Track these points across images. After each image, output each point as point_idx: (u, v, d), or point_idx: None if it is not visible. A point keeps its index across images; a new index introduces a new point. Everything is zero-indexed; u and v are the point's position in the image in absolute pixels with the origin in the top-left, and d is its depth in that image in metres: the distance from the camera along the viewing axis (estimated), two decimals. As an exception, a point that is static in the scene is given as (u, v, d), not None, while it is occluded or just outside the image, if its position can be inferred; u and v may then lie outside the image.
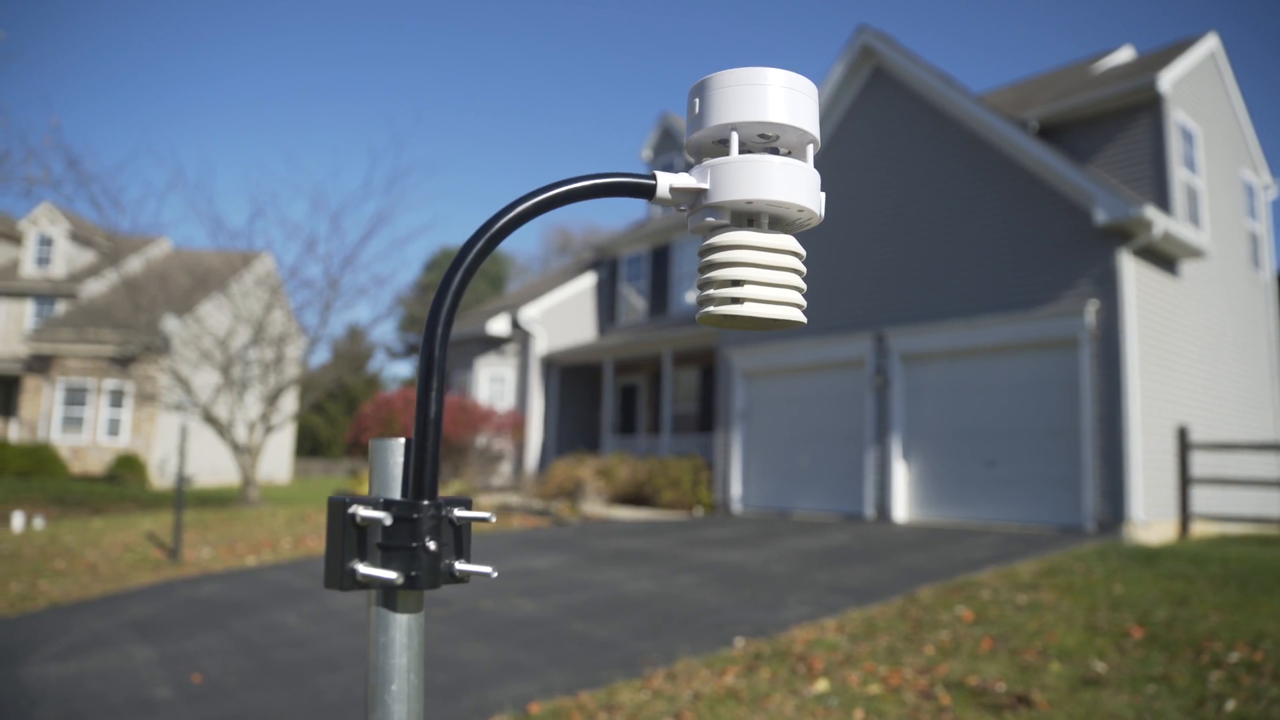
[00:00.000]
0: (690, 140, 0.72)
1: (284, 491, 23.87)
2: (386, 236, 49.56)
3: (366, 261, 28.02)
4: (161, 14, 61.85)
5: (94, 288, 25.66)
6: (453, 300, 0.65)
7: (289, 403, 24.15)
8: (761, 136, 0.70)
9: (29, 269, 26.31)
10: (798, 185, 0.69)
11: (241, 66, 74.35)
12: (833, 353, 12.52)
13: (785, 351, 13.12)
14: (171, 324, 14.71)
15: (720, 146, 0.71)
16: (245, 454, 15.63)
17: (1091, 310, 9.78)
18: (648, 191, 0.70)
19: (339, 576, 0.62)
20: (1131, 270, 9.78)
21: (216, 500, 17.10)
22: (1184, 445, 10.04)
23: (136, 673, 5.18)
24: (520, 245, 71.51)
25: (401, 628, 0.63)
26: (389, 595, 0.63)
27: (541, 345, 19.12)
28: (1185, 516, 9.97)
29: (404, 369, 55.36)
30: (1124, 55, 14.59)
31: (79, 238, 26.81)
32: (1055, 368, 10.24)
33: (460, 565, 0.66)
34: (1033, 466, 10.28)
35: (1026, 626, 5.34)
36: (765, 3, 77.74)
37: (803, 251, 0.71)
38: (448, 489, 17.11)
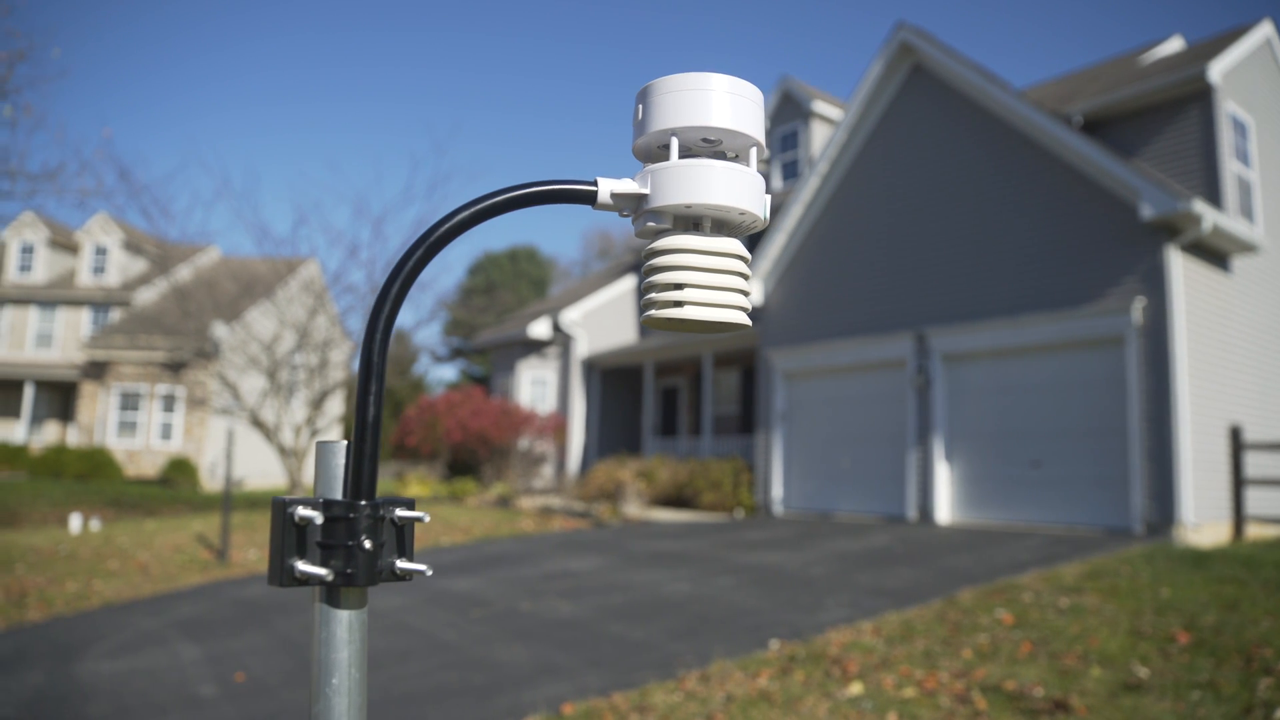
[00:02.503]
0: (635, 145, 0.73)
1: (331, 494, 24.26)
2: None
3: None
4: (199, 3, 63.11)
5: (146, 295, 26.37)
6: (391, 308, 0.66)
7: (335, 406, 24.57)
8: (705, 141, 0.71)
9: (85, 278, 27.11)
10: (739, 189, 0.69)
11: (279, 61, 75.74)
12: (873, 353, 12.40)
13: (826, 352, 13.03)
14: (220, 330, 15.05)
15: (664, 151, 0.72)
16: (291, 457, 15.94)
17: (1138, 308, 9.56)
18: (589, 198, 0.71)
19: (279, 573, 0.64)
20: (1179, 266, 9.54)
21: (265, 502, 17.46)
22: (1237, 445, 9.77)
23: (183, 670, 5.31)
24: (562, 249, 71.90)
25: (343, 623, 0.65)
26: (331, 592, 0.66)
27: (582, 348, 19.20)
28: (1239, 518, 9.69)
29: (449, 372, 55.90)
30: (1173, 46, 14.24)
31: (132, 247, 27.57)
32: (1101, 366, 10.03)
33: (401, 563, 0.68)
34: (1079, 467, 10.07)
35: (1068, 630, 5.24)
36: (804, 3, 77.22)
37: (747, 255, 0.72)
38: (490, 491, 17.28)
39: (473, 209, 0.68)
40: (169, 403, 24.49)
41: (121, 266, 27.28)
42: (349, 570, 0.65)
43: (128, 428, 24.68)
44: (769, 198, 0.73)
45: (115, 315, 26.40)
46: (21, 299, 26.72)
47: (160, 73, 63.76)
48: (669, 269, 0.69)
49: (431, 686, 4.77)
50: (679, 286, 0.69)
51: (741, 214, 0.70)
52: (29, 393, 25.74)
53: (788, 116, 17.63)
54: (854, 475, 12.58)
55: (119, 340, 24.39)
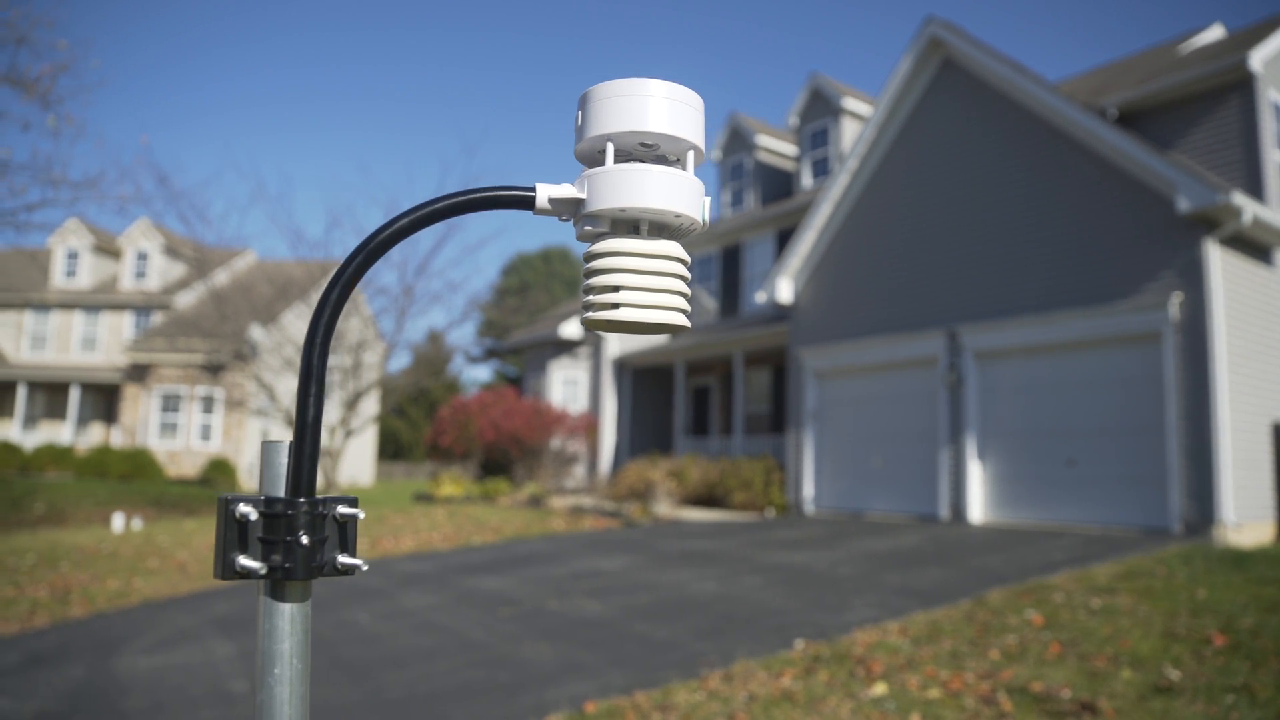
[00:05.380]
0: (576, 150, 0.75)
1: (366, 494, 24.58)
2: (458, 243, 50.54)
3: (439, 268, 28.82)
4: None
5: (185, 299, 26.89)
6: (332, 313, 0.69)
7: (369, 407, 24.84)
8: (643, 146, 0.72)
9: (127, 282, 27.71)
10: (675, 192, 0.70)
11: (308, 58, 76.80)
12: (904, 351, 12.29)
13: (857, 351, 12.94)
14: (256, 332, 15.32)
15: (604, 156, 0.74)
16: (326, 457, 16.16)
17: (1175, 303, 9.38)
18: (527, 203, 0.72)
19: (222, 567, 0.67)
20: (1218, 260, 9.35)
21: (302, 502, 17.67)
22: (1280, 443, 9.55)
23: (216, 666, 5.42)
24: (594, 249, 72.21)
25: (285, 615, 0.67)
26: (275, 585, 0.68)
27: (614, 347, 19.25)
28: (1282, 518, 9.47)
29: (482, 373, 56.30)
30: (1213, 34, 13.94)
31: (171, 251, 28.13)
32: (1138, 363, 9.85)
33: (342, 559, 0.70)
34: (1114, 466, 9.91)
35: (1099, 632, 5.16)
36: (832, 3, 76.72)
37: (685, 257, 0.73)
38: (522, 491, 17.39)
39: (412, 216, 0.70)
40: (208, 404, 24.95)
41: (162, 271, 27.83)
42: (287, 564, 0.67)
43: (168, 429, 25.20)
44: (708, 200, 0.74)
45: (156, 319, 26.96)
46: (67, 304, 27.37)
47: (191, 61, 64.88)
48: (605, 271, 0.71)
49: (458, 684, 4.82)
50: (616, 289, 0.71)
51: (677, 217, 0.72)
52: (75, 395, 26.37)
53: (817, 114, 17.53)
54: (885, 474, 12.48)
55: (159, 343, 24.90)
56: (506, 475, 18.80)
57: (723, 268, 19.13)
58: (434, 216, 0.70)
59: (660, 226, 0.73)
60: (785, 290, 14.08)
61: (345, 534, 0.72)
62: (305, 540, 0.67)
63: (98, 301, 27.20)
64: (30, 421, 27.26)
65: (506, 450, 18.48)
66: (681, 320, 0.72)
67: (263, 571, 0.67)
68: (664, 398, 20.00)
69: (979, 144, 11.77)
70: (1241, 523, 9.03)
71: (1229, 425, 9.07)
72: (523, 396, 19.86)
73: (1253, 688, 4.13)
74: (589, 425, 18.67)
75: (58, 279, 27.90)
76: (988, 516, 11.12)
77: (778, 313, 15.75)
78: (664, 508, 14.36)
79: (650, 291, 0.70)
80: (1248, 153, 10.29)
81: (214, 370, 24.05)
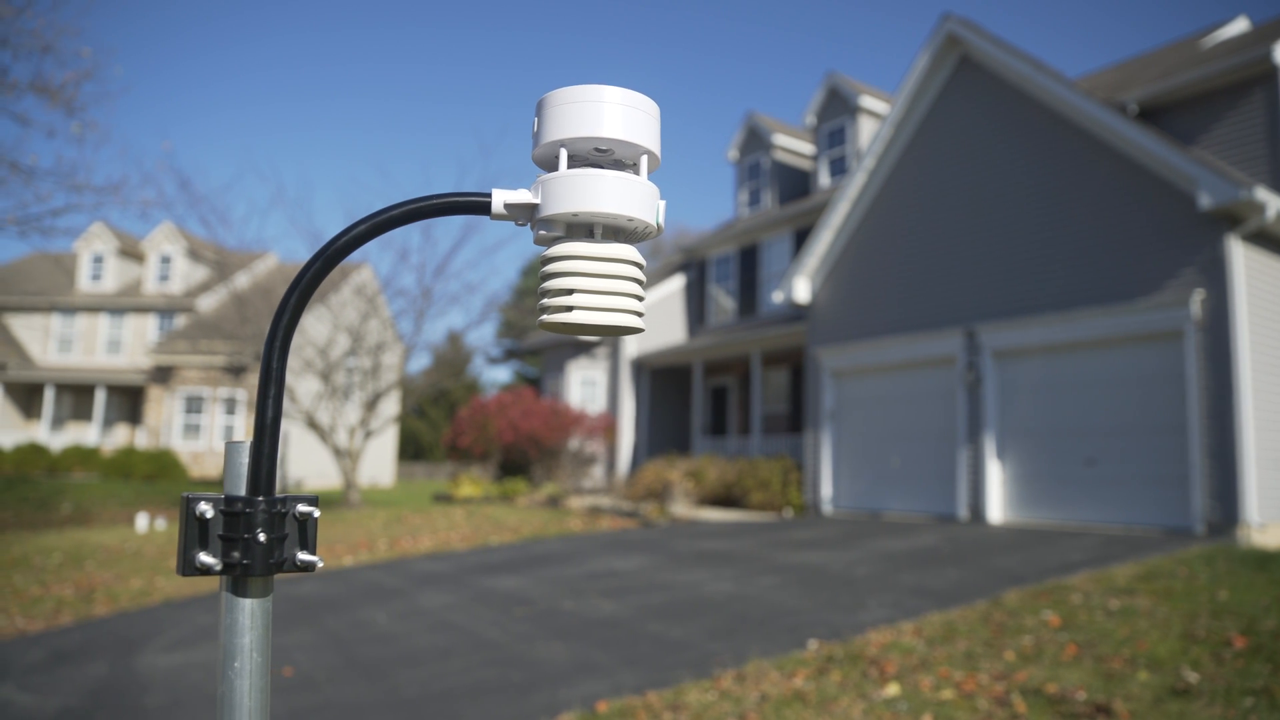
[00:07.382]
0: (533, 155, 0.76)
1: (386, 494, 24.74)
2: (476, 245, 50.68)
3: (457, 270, 29.02)
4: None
5: (207, 302, 27.20)
6: (290, 317, 0.70)
7: (389, 408, 24.98)
8: (598, 151, 0.74)
9: (151, 286, 28.06)
10: (626, 197, 0.72)
11: (324, 56, 77.37)
12: (922, 350, 12.22)
13: (874, 350, 12.89)
14: (277, 335, 15.45)
15: (559, 162, 0.75)
16: (346, 458, 16.29)
17: (1197, 300, 9.27)
18: (483, 208, 0.74)
19: (184, 563, 0.70)
20: (1240, 256, 9.23)
21: (320, 503, 17.84)
22: (1305, 442, 9.41)
23: (235, 665, 5.48)
24: (613, 249, 72.20)
25: (245, 611, 0.70)
26: (236, 581, 0.70)
27: (632, 348, 19.27)
28: (1308, 518, 9.34)
29: (502, 374, 56.48)
30: (1237, 27, 13.77)
31: (194, 255, 28.46)
32: (1159, 361, 9.75)
33: (302, 555, 0.72)
34: (1136, 465, 9.81)
35: (1116, 633, 5.12)
36: (849, 3, 76.39)
37: (639, 260, 0.74)
38: (540, 491, 17.45)
39: (369, 223, 0.72)
40: (230, 405, 25.22)
41: (184, 274, 28.17)
42: (245, 561, 0.70)
43: (192, 430, 25.49)
44: (663, 204, 0.75)
45: (179, 321, 27.29)
46: (93, 307, 27.75)
47: (205, 56, 65.47)
48: (560, 275, 0.72)
49: (471, 683, 4.85)
50: (569, 291, 0.72)
51: (630, 221, 0.73)
52: (100, 397, 26.72)
53: (834, 113, 17.47)
54: (904, 474, 12.42)
55: (182, 346, 25.20)
56: (525, 476, 18.87)
57: (740, 267, 19.10)
58: (391, 223, 0.72)
59: (615, 230, 0.75)
60: (802, 290, 14.04)
61: (305, 531, 0.74)
62: (263, 538, 0.69)
63: (122, 304, 27.56)
64: (57, 423, 27.66)
65: (525, 451, 18.54)
66: (635, 322, 0.73)
67: (219, 568, 0.69)
68: (682, 398, 20.00)
69: (997, 141, 11.68)
70: (1266, 523, 8.92)
71: (1252, 424, 8.95)
72: (541, 397, 19.92)
73: (1273, 690, 4.08)
74: (607, 425, 18.70)
75: (83, 282, 28.30)
76: (1007, 516, 11.04)
77: (795, 312, 15.71)
78: (681, 508, 14.35)
79: (603, 294, 0.72)
80: (1272, 147, 10.15)
81: (236, 372, 24.30)
